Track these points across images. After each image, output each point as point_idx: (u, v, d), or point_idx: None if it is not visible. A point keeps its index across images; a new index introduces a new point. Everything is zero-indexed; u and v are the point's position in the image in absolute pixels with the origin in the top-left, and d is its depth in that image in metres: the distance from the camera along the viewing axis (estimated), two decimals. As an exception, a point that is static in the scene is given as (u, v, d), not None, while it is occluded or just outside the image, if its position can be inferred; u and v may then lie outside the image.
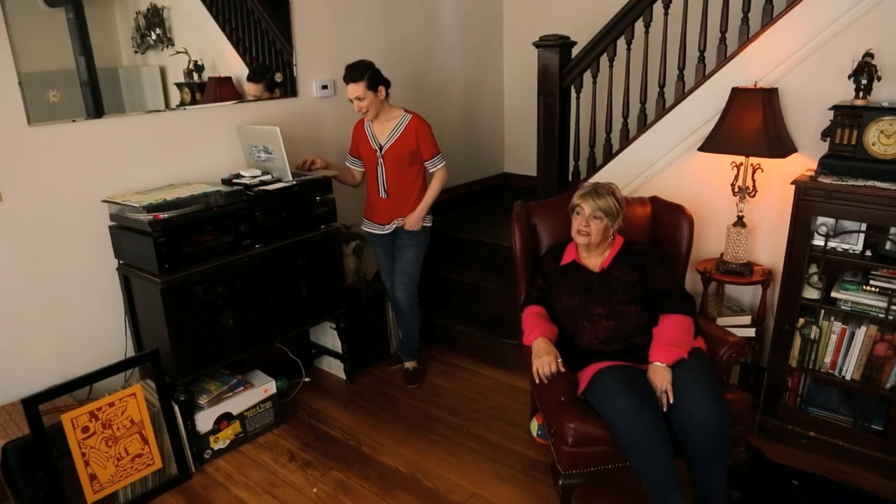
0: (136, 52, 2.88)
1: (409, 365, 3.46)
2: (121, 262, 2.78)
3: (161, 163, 2.93)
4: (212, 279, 2.68)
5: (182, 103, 3.03)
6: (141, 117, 2.87)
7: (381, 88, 3.01)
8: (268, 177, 2.96)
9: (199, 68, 3.09)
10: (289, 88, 3.36)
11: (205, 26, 3.07)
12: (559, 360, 2.24)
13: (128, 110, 2.84)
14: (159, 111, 2.94)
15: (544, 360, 2.23)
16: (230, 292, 2.74)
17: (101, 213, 2.73)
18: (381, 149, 3.11)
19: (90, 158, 2.71)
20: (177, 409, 2.69)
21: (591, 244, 2.48)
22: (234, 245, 2.76)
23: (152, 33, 2.93)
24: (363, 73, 2.94)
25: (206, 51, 3.10)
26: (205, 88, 3.12)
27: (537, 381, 2.25)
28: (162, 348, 2.65)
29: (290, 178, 2.94)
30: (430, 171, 3.19)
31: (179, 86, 3.04)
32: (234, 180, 2.94)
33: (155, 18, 2.92)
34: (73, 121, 2.64)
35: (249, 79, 3.22)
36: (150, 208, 2.55)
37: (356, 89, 2.95)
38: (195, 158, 3.04)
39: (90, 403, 2.48)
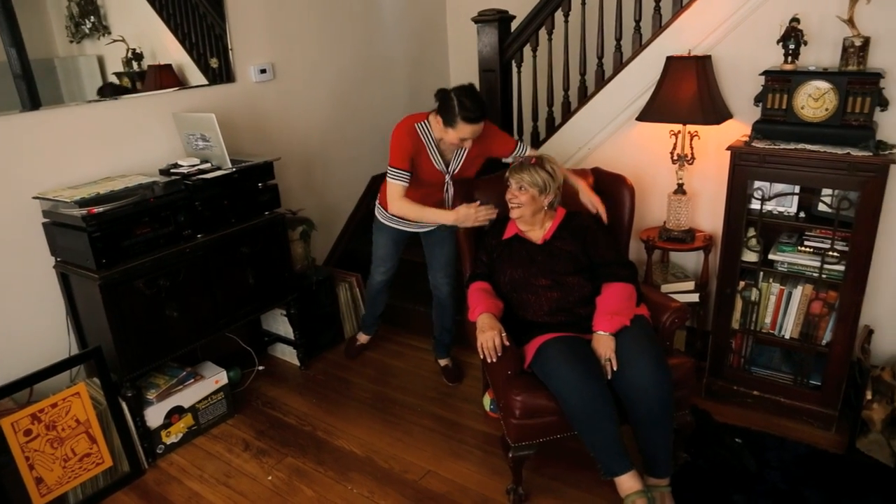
0: (71, 41, 2.78)
1: (444, 363, 3.29)
2: (58, 259, 2.70)
3: (97, 155, 2.84)
4: (153, 272, 2.62)
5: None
6: (73, 109, 2.76)
7: None
8: (207, 165, 2.90)
9: (138, 56, 3.00)
10: (225, 74, 3.28)
11: (141, 13, 2.97)
12: (503, 334, 2.26)
13: (67, 102, 2.76)
14: (93, 102, 2.84)
15: (488, 336, 2.24)
16: (173, 284, 2.70)
17: (34, 211, 2.65)
18: (447, 169, 2.76)
19: (19, 154, 2.60)
20: (124, 405, 2.65)
21: (525, 215, 2.48)
22: (175, 236, 2.71)
23: (87, 21, 2.83)
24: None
25: (145, 38, 3.00)
26: (145, 77, 3.03)
27: (482, 356, 2.27)
28: (106, 345, 2.60)
29: (230, 165, 2.88)
30: (517, 154, 2.78)
31: (119, 75, 2.95)
32: (172, 170, 2.88)
33: (89, 6, 2.82)
34: (-3, 115, 2.54)
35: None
36: (83, 203, 2.48)
37: (480, 128, 2.54)
38: (133, 149, 2.95)
39: (31, 406, 2.42)
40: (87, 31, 2.83)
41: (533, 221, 2.52)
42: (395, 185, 2.65)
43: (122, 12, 2.90)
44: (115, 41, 2.90)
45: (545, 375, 2.24)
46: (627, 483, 2.16)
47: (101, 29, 2.86)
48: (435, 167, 2.71)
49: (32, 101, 2.64)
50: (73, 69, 2.81)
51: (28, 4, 2.60)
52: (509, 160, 2.75)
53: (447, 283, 3.11)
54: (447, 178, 2.76)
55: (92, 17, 2.83)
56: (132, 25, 2.95)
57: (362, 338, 3.51)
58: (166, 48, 3.09)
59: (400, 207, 2.68)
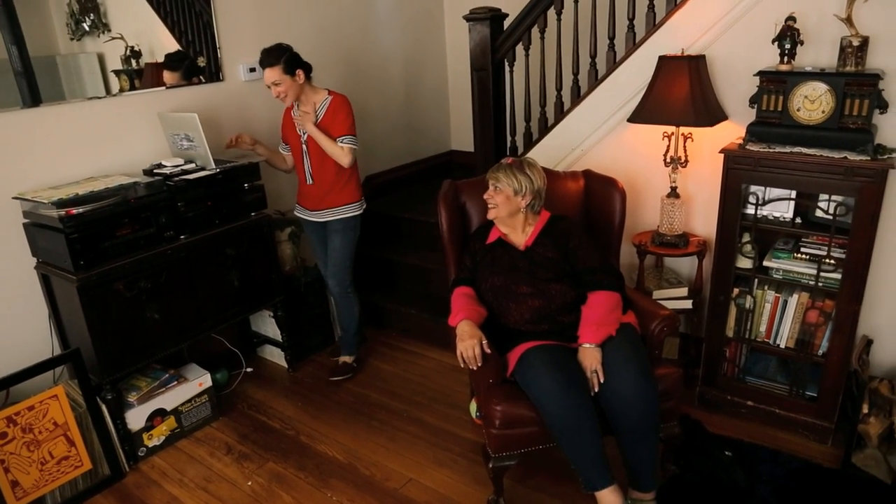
0: (72, 39, 2.78)
1: (343, 359, 3.31)
2: (39, 260, 2.68)
3: (83, 155, 2.81)
4: (133, 273, 2.60)
5: (121, 90, 2.95)
6: (59, 107, 2.74)
7: (300, 72, 2.86)
8: (190, 165, 2.87)
9: (137, 54, 3.00)
10: (214, 73, 3.24)
11: (139, 10, 2.96)
12: (484, 342, 2.19)
13: (69, 99, 2.77)
14: (92, 99, 2.84)
15: (467, 344, 2.18)
16: (154, 286, 2.66)
17: (15, 211, 2.63)
18: (304, 134, 2.99)
19: (10, 152, 2.59)
20: (104, 407, 2.62)
21: (500, 215, 2.42)
22: (156, 237, 2.67)
23: (87, 19, 2.82)
24: (279, 56, 2.81)
25: (143, 36, 3.00)
26: (142, 75, 3.02)
27: (462, 365, 2.21)
28: (85, 347, 2.58)
29: (213, 166, 2.85)
30: (340, 142, 2.95)
31: (117, 73, 2.94)
32: (156, 170, 2.85)
33: (89, 3, 2.82)
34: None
35: (165, 66, 3.10)
36: (61, 203, 2.45)
37: (272, 74, 2.82)
38: (119, 149, 2.92)
39: (7, 408, 2.40)
40: (87, 28, 2.83)
41: (513, 224, 2.44)
42: None
43: (121, 9, 2.89)
44: (113, 38, 2.90)
45: (526, 384, 2.18)
46: (608, 498, 2.09)
47: (101, 26, 2.86)
48: (296, 131, 3.02)
49: (33, 98, 2.64)
50: (75, 67, 2.81)
51: (29, 2, 2.59)
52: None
53: (333, 284, 3.22)
54: (302, 140, 3.00)
55: (92, 14, 2.83)
56: (131, 23, 2.94)
57: (343, 358, 3.34)
58: (163, 46, 3.08)
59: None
